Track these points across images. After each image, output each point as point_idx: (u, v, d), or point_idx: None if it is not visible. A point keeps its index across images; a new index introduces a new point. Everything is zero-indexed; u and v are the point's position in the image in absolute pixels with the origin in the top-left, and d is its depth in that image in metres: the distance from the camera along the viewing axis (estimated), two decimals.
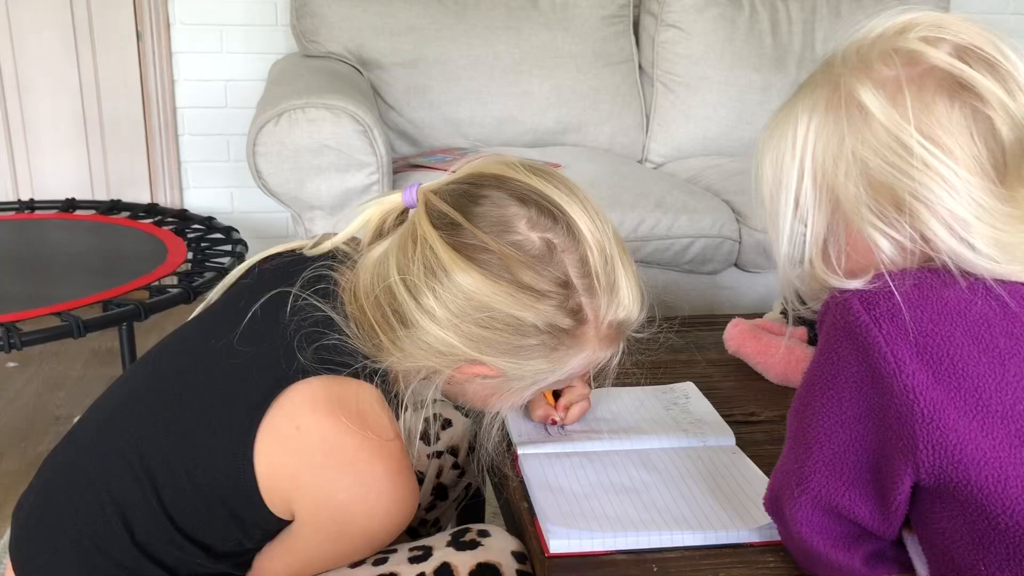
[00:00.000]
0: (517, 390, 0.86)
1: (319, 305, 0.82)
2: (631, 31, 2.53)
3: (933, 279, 0.66)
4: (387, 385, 0.84)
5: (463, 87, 2.37)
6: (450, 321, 0.80)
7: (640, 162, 2.52)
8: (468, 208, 0.81)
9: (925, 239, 0.67)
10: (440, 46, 2.36)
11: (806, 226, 0.73)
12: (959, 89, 0.67)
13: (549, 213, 0.81)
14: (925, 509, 0.68)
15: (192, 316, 0.94)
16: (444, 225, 0.81)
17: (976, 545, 0.65)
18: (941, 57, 0.68)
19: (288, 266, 0.89)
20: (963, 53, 0.68)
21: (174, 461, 0.80)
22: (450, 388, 0.88)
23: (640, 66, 2.55)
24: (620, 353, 0.88)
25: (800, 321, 1.19)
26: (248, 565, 0.86)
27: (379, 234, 0.88)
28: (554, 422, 1.02)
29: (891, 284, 0.66)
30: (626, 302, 0.83)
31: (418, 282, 0.80)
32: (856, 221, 0.70)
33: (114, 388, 0.92)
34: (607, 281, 0.82)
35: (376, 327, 0.83)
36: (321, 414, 0.78)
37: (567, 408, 1.02)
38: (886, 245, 0.69)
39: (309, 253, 0.90)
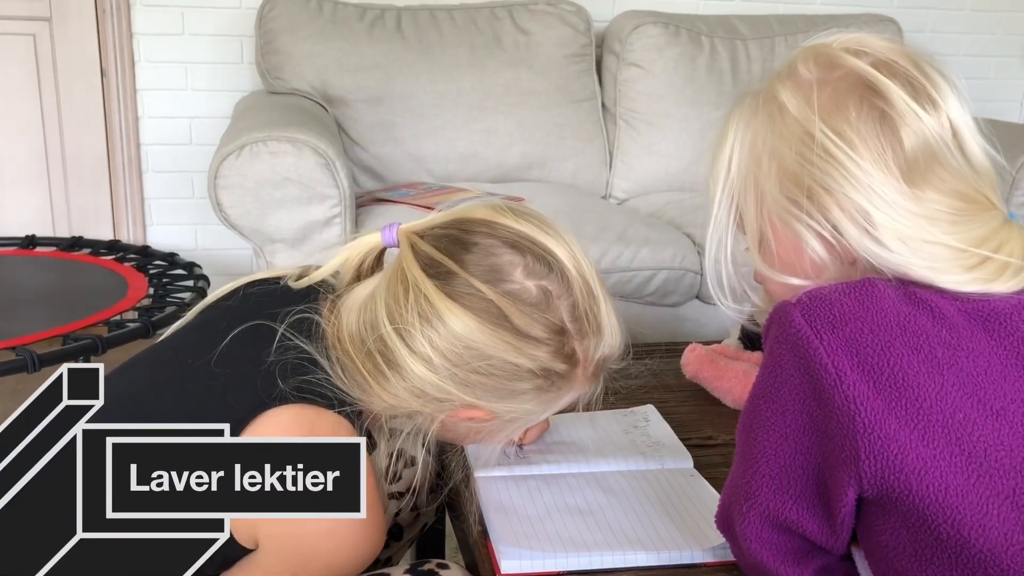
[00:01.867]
0: (508, 430, 0.88)
1: (304, 347, 0.82)
2: (594, 69, 2.57)
3: (872, 290, 0.68)
4: (362, 421, 0.84)
5: (428, 123, 2.39)
6: (446, 368, 0.80)
7: (604, 198, 2.54)
8: (460, 255, 0.82)
9: (840, 231, 0.70)
10: (405, 83, 2.37)
11: (730, 217, 0.79)
12: (871, 93, 0.71)
13: (544, 260, 0.82)
14: (870, 522, 0.68)
15: (167, 334, 0.92)
16: (437, 274, 0.81)
17: (920, 556, 0.65)
18: (857, 63, 0.73)
19: (273, 298, 0.88)
20: (880, 65, 0.72)
21: None
22: (440, 430, 0.88)
23: (603, 103, 2.58)
24: (600, 386, 0.90)
25: (755, 345, 1.20)
26: None
27: (358, 275, 0.89)
28: (512, 442, 1.02)
29: (831, 295, 0.67)
30: (610, 340, 0.86)
31: (412, 330, 0.80)
32: (777, 212, 0.74)
33: None
34: (595, 322, 0.84)
35: (367, 375, 0.82)
36: None
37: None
38: (808, 237, 0.72)
39: (293, 285, 0.90)
